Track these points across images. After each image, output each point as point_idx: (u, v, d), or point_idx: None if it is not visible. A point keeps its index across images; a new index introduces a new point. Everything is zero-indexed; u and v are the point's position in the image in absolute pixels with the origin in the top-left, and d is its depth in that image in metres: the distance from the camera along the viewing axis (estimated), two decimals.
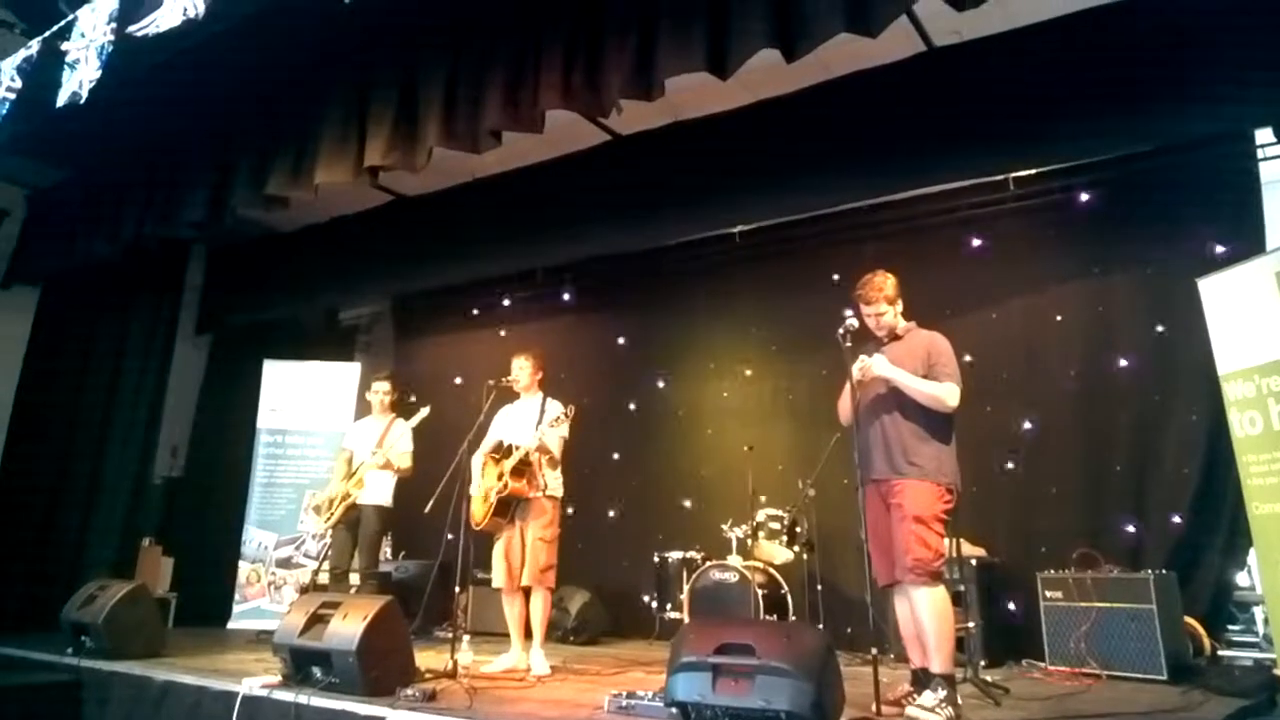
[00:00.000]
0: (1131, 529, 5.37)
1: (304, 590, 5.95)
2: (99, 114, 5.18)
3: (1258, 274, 4.72)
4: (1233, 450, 4.82)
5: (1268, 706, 3.10)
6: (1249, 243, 5.21)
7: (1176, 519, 5.25)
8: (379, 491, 5.65)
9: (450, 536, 4.77)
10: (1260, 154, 5.43)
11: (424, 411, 5.68)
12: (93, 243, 6.57)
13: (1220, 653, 4.84)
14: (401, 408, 5.94)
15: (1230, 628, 4.97)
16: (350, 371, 7.59)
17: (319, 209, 7.13)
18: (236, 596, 7.07)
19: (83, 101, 5.03)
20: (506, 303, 8.18)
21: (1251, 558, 4.87)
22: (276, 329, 8.17)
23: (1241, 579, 5.06)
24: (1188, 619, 4.85)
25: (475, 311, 8.35)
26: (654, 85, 4.26)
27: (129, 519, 7.14)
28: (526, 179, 6.44)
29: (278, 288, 7.78)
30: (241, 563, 7.14)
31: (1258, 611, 4.88)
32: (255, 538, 7.19)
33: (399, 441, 5.65)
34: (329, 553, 5.77)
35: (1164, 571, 4.79)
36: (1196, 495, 5.23)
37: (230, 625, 6.91)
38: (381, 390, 5.92)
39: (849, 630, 5.36)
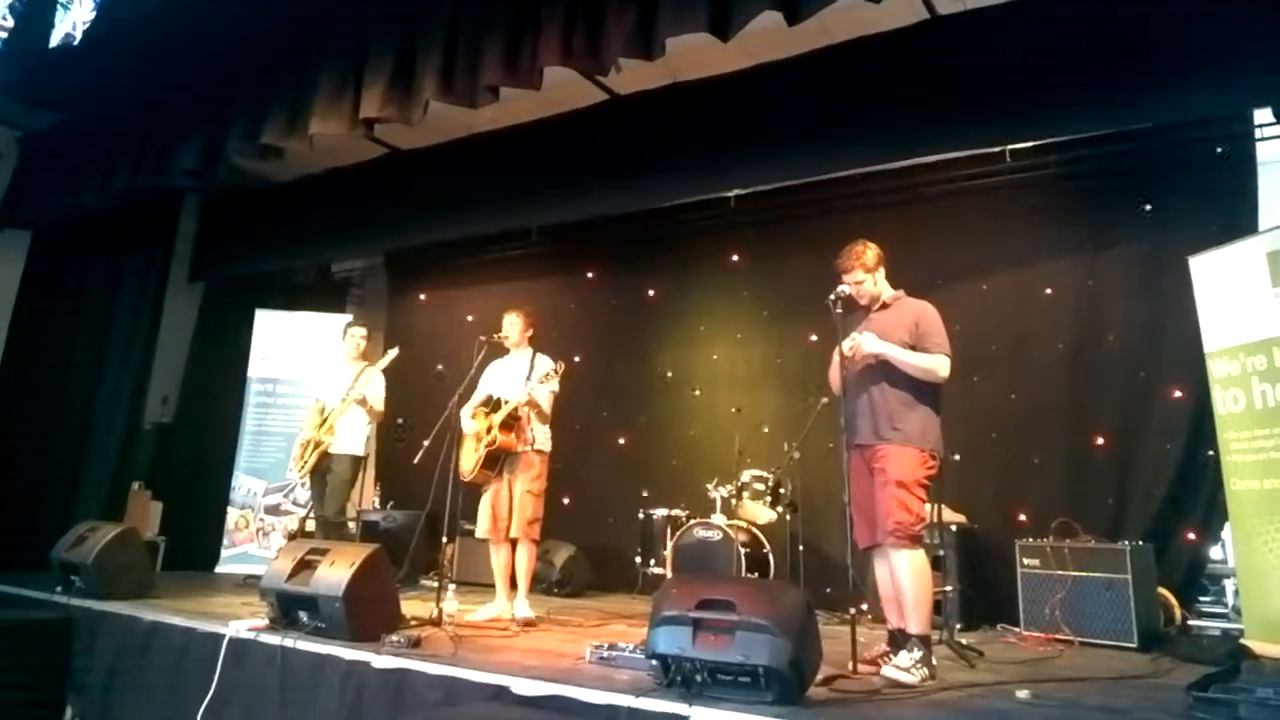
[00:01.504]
0: (1111, 501, 5.46)
1: (292, 537, 6.01)
2: (93, 58, 5.14)
3: (1249, 253, 4.76)
4: (1215, 427, 4.90)
5: (1231, 673, 3.17)
6: (1242, 222, 5.23)
7: (1156, 492, 5.34)
8: (351, 440, 5.65)
9: (441, 488, 4.83)
10: (1258, 134, 5.43)
11: (392, 353, 5.70)
12: (86, 190, 6.53)
13: (1190, 622, 4.94)
14: (373, 356, 5.91)
15: (1202, 599, 5.08)
16: (341, 323, 7.58)
17: (314, 161, 7.08)
18: (225, 541, 7.14)
19: (76, 43, 4.97)
20: (500, 260, 8.16)
21: (1226, 532, 4.95)
22: (269, 280, 8.16)
23: (1215, 552, 5.16)
24: (1161, 589, 4.94)
25: (468, 267, 8.34)
26: (655, 45, 4.23)
27: (120, 464, 7.20)
28: (523, 136, 6.40)
29: (271, 239, 7.75)
30: (230, 508, 7.20)
31: (1228, 584, 4.98)
32: (244, 484, 7.25)
33: (371, 387, 5.65)
34: (300, 499, 5.79)
35: (1140, 543, 4.87)
36: (1177, 470, 5.32)
37: (218, 569, 6.99)
38: (359, 335, 5.90)
39: (828, 590, 5.44)
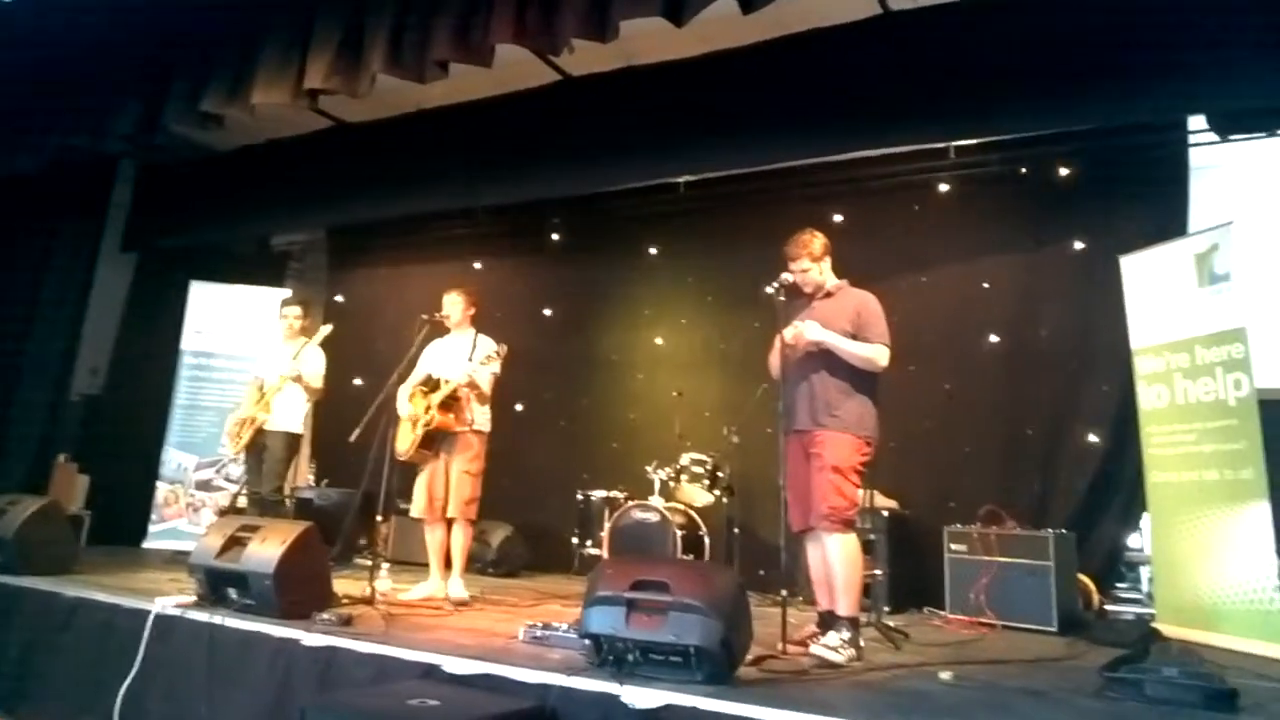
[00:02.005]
0: (1038, 490, 5.63)
1: (223, 513, 5.90)
2: (25, 12, 4.93)
3: (1177, 255, 4.93)
4: (1138, 421, 5.07)
5: (1141, 655, 3.31)
6: (1173, 224, 5.41)
7: (1080, 483, 5.54)
8: (287, 417, 5.59)
9: (376, 466, 4.78)
10: (1192, 140, 5.60)
11: (326, 329, 5.65)
12: (14, 154, 6.28)
13: (1108, 607, 5.12)
14: (312, 332, 5.82)
15: (1119, 585, 5.27)
16: (280, 297, 7.42)
17: (256, 130, 6.90)
18: (153, 517, 6.98)
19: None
20: (445, 239, 8.06)
21: (1145, 522, 5.14)
22: (206, 251, 7.95)
23: (1133, 541, 5.35)
24: (1081, 576, 5.12)
25: (412, 245, 8.21)
26: (609, 27, 4.21)
27: (44, 436, 6.98)
28: (472, 114, 6.31)
29: (208, 209, 7.54)
30: (160, 483, 7.04)
31: (1144, 571, 5.17)
32: (175, 459, 7.09)
33: (309, 364, 5.58)
34: (235, 476, 5.70)
35: (1063, 531, 5.03)
36: (1101, 462, 5.51)
37: (146, 545, 6.83)
38: (291, 314, 5.82)
39: (762, 573, 5.51)
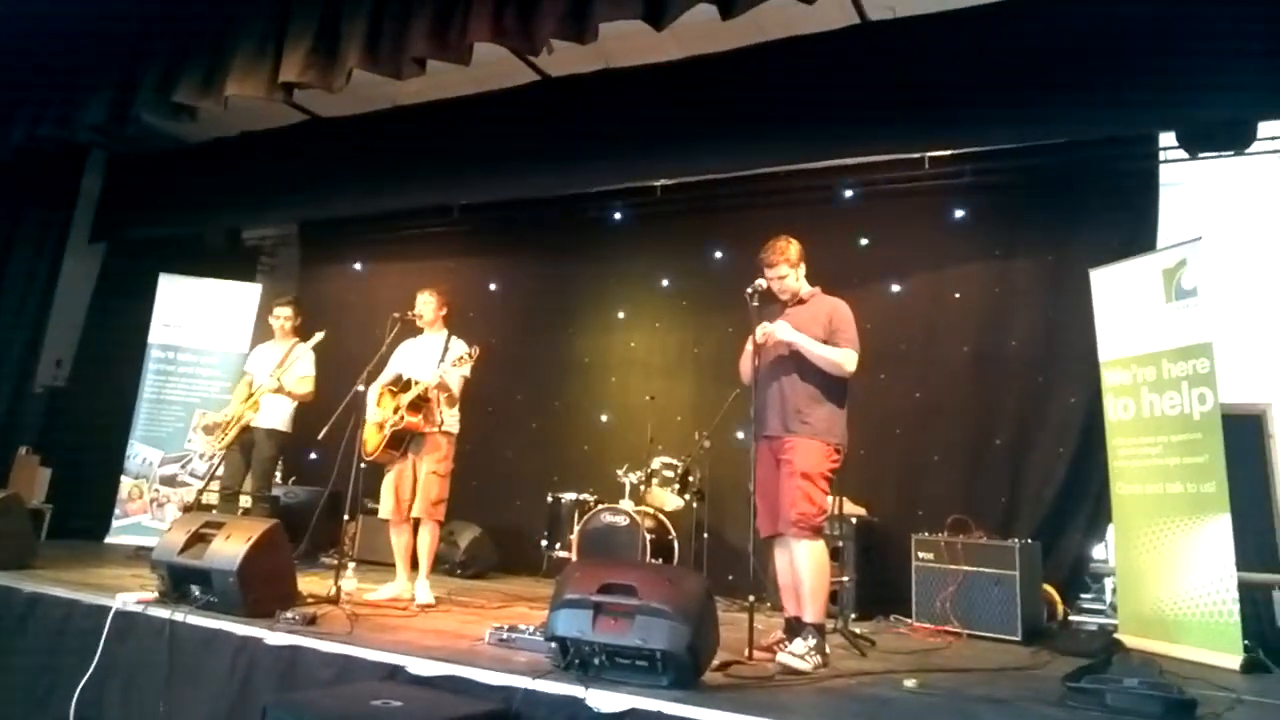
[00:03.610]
0: (1005, 499, 5.68)
1: (188, 509, 5.82)
2: None
3: (1146, 269, 4.99)
4: (1104, 433, 5.13)
5: (1104, 665, 3.35)
6: (1142, 239, 5.49)
7: (1047, 493, 5.59)
8: (274, 415, 5.59)
9: (344, 465, 4.74)
10: (1162, 156, 5.69)
11: (319, 335, 5.62)
12: None
13: (1071, 618, 5.18)
14: (304, 333, 5.80)
15: (1083, 596, 5.33)
16: (250, 292, 7.35)
17: (229, 123, 6.82)
18: (116, 511, 6.86)
19: None
20: (419, 236, 8.01)
21: (1110, 533, 5.20)
22: (175, 243, 7.82)
23: (1098, 552, 5.42)
24: (1046, 586, 5.17)
25: (386, 243, 8.16)
26: (588, 29, 4.20)
27: (5, 427, 6.86)
28: (449, 111, 6.28)
29: (179, 201, 7.44)
30: (124, 478, 6.92)
31: (1108, 582, 5.23)
32: (140, 453, 6.97)
33: (298, 366, 5.56)
34: (219, 473, 5.65)
35: (1029, 541, 5.07)
36: (1068, 472, 5.57)
37: (108, 540, 6.71)
38: (283, 315, 5.81)
39: (730, 578, 5.52)
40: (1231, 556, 4.25)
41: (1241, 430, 4.94)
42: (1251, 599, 4.36)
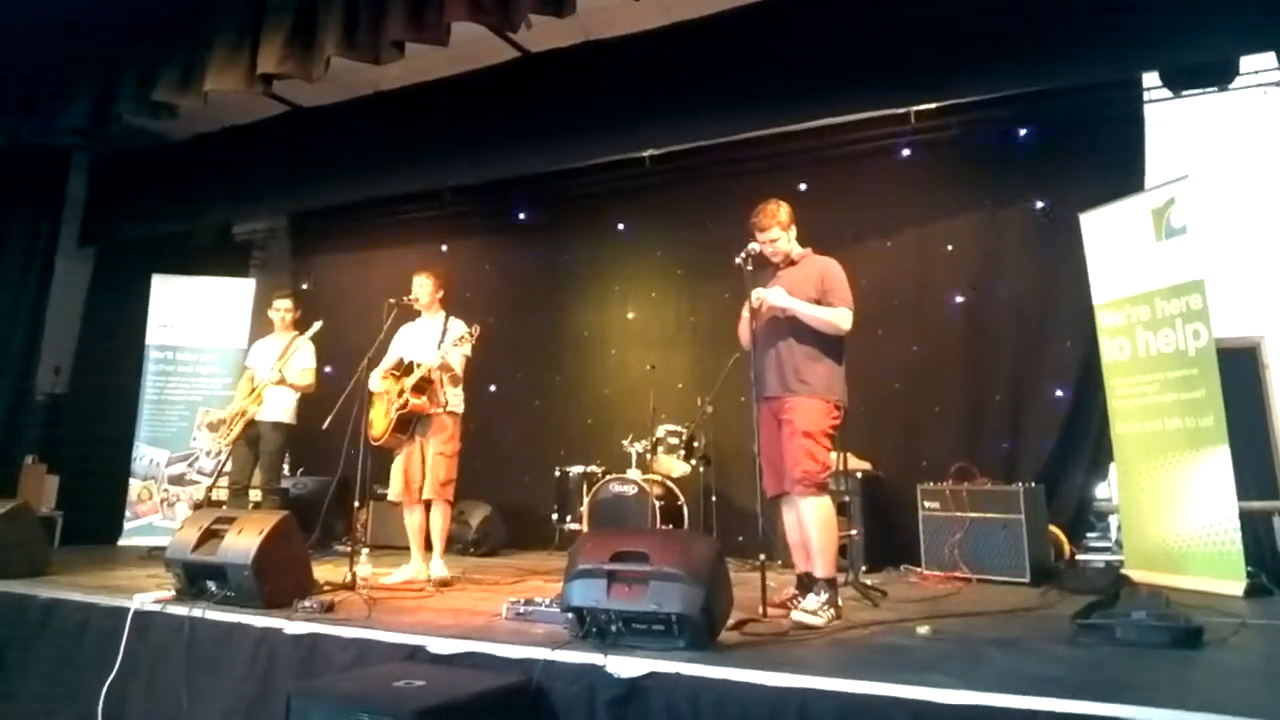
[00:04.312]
0: (1006, 445, 5.74)
1: (198, 506, 5.87)
2: None
3: (1135, 210, 5.01)
4: (1102, 375, 5.17)
5: (1111, 600, 3.41)
6: (1130, 180, 5.49)
7: (1048, 437, 5.64)
8: (278, 408, 5.62)
9: (352, 451, 4.78)
10: (1146, 97, 5.67)
11: (317, 325, 5.64)
12: None
13: (1078, 557, 5.24)
14: (304, 325, 5.81)
15: (1089, 535, 5.38)
16: (244, 288, 7.36)
17: (211, 118, 6.78)
18: (127, 514, 6.92)
19: None
20: (411, 221, 7.99)
21: (1111, 472, 5.25)
22: (166, 243, 7.79)
23: (1101, 491, 5.48)
24: (1052, 527, 5.23)
25: (377, 229, 8.14)
26: (565, 1, 4.17)
27: (9, 437, 6.84)
28: (432, 94, 6.22)
29: (167, 200, 7.39)
30: (132, 480, 6.97)
31: (1113, 520, 5.29)
32: (146, 454, 7.01)
33: (298, 358, 5.58)
34: (226, 469, 5.69)
35: (1033, 484, 5.12)
36: (1067, 416, 5.62)
37: (121, 543, 6.76)
38: (283, 308, 5.83)
39: (740, 539, 5.59)
40: (1232, 487, 4.31)
41: (1236, 363, 4.98)
42: (1252, 527, 4.44)
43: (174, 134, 7.15)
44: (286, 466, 6.24)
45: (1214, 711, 2.20)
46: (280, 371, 5.48)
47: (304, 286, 5.05)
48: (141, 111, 5.57)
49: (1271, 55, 4.74)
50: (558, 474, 6.46)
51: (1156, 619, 3.14)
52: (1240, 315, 5.27)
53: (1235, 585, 4.20)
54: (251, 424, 5.57)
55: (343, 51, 4.73)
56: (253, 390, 5.60)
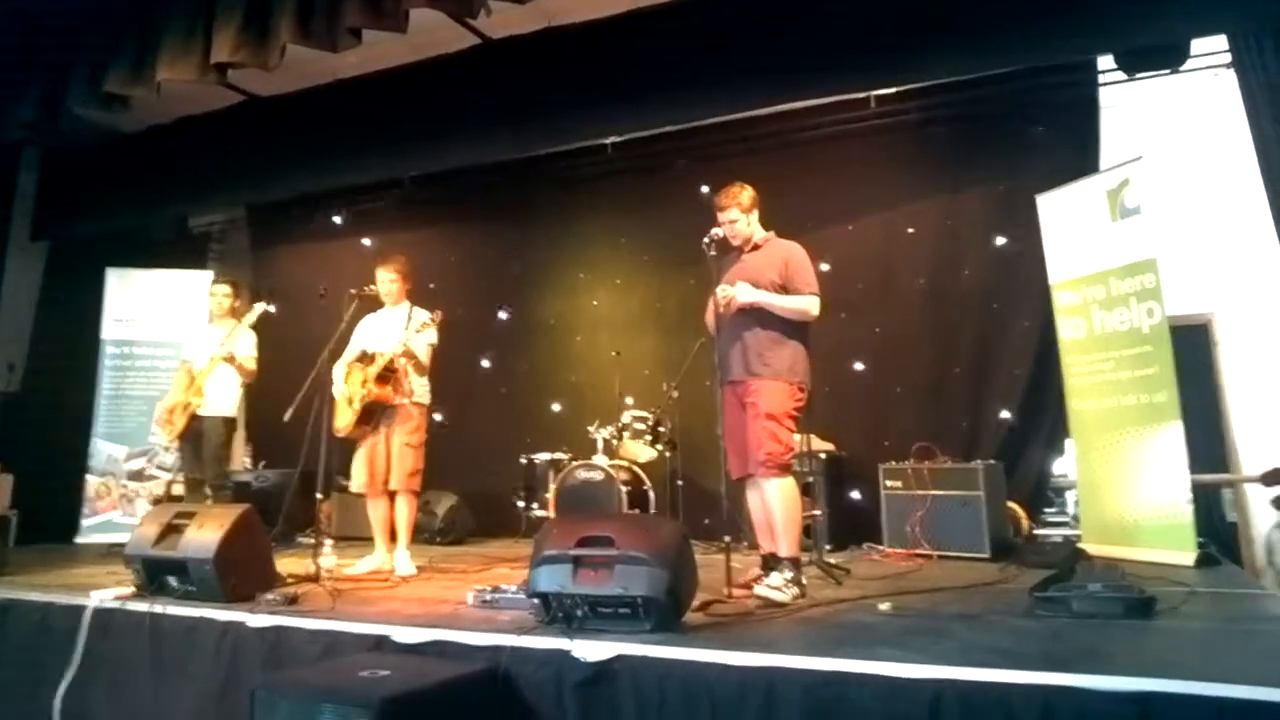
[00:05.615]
0: (966, 424, 5.84)
1: (157, 502, 5.78)
2: None
3: (1090, 191, 5.09)
4: (1059, 353, 5.26)
5: (1068, 574, 3.48)
6: (1086, 162, 5.57)
7: (1007, 415, 5.75)
8: (222, 401, 5.50)
9: (315, 444, 4.72)
10: (1101, 80, 5.76)
11: (260, 306, 5.54)
12: None
13: (1036, 532, 5.35)
14: (245, 313, 5.69)
15: (1047, 510, 5.51)
16: (203, 280, 7.20)
17: (165, 109, 6.63)
18: (85, 511, 6.78)
19: None
20: (372, 211, 7.91)
21: (1069, 448, 5.36)
22: (121, 236, 7.65)
23: (1058, 467, 5.59)
24: (1011, 503, 5.34)
25: (337, 220, 8.05)
26: None
27: None
28: (391, 82, 6.14)
29: (120, 193, 7.24)
30: (90, 476, 6.83)
31: (1070, 495, 5.40)
32: (104, 450, 6.88)
33: (240, 347, 5.47)
34: (178, 465, 5.59)
35: (992, 462, 5.23)
36: (1025, 394, 5.72)
37: (79, 540, 6.63)
38: (220, 293, 5.68)
39: (706, 521, 5.60)
40: (1184, 461, 4.42)
41: (1189, 340, 5.10)
42: (1204, 499, 4.55)
43: (127, 126, 7.00)
44: (247, 460, 6.17)
45: (1167, 677, 2.26)
46: (231, 352, 5.34)
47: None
48: (92, 104, 5.45)
49: (1222, 38, 4.81)
50: (524, 461, 6.46)
51: (1111, 590, 3.22)
52: (1192, 293, 5.40)
53: (1186, 556, 4.31)
54: (195, 418, 5.44)
55: (299, 39, 4.66)
56: (191, 382, 5.46)
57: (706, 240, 4.05)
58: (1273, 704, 2.12)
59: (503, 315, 7.51)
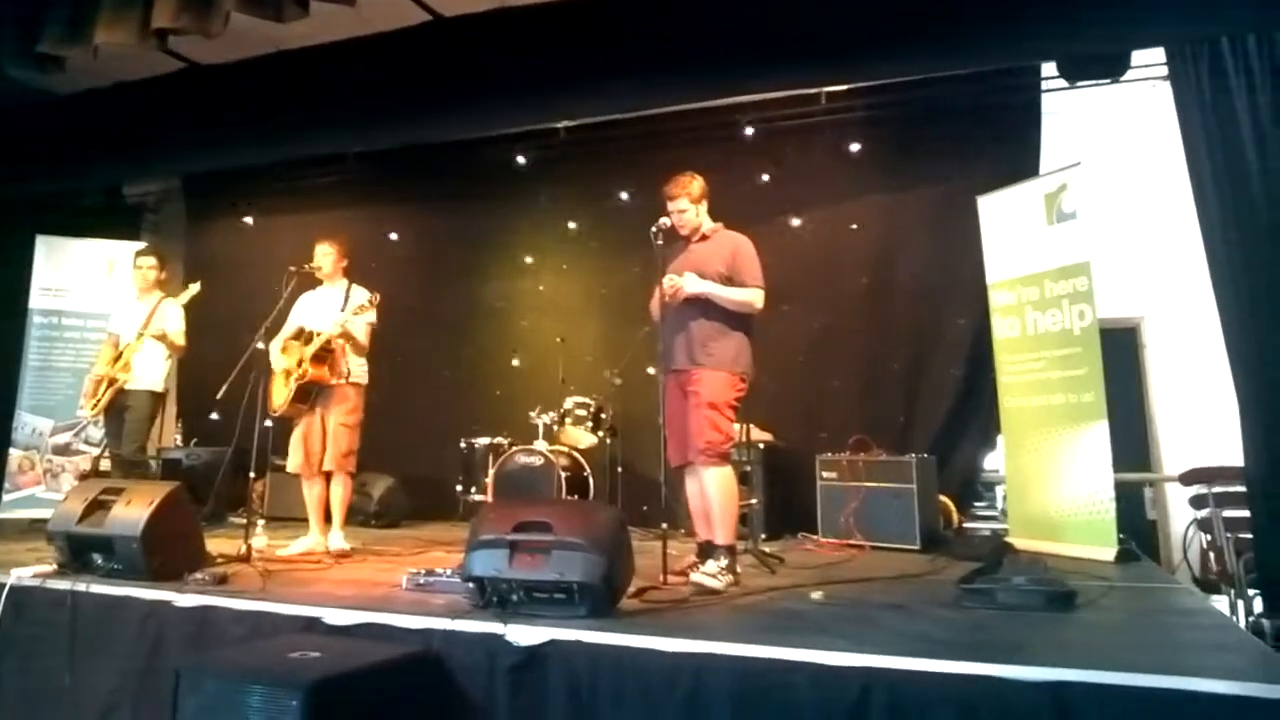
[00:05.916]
0: (902, 419, 5.96)
1: (84, 477, 5.61)
2: None
3: (1029, 195, 5.21)
4: (993, 352, 5.39)
5: (995, 566, 3.58)
6: (1027, 166, 5.69)
7: (941, 410, 5.88)
8: (149, 375, 5.36)
9: (248, 422, 4.63)
10: (1044, 86, 5.89)
11: (194, 288, 5.41)
12: None
13: (966, 525, 5.50)
14: (169, 287, 5.55)
15: (977, 504, 5.67)
16: (134, 249, 7.02)
17: (101, 73, 6.39)
18: (6, 485, 6.56)
19: None
20: (314, 187, 7.73)
21: (999, 444, 5.50)
22: (52, 203, 7.38)
23: (989, 462, 5.75)
24: (942, 496, 5.47)
25: (279, 194, 7.85)
26: None
27: None
28: (338, 55, 5.96)
29: (51, 158, 6.92)
30: (12, 450, 6.61)
31: (999, 490, 5.56)
32: (29, 423, 6.67)
33: (169, 323, 5.34)
34: (103, 439, 5.43)
35: (926, 456, 5.34)
36: (960, 390, 5.87)
37: None
38: (146, 265, 5.53)
39: (645, 508, 5.63)
40: (1109, 460, 4.56)
41: (1118, 342, 5.28)
42: (1126, 496, 4.71)
43: (60, 88, 6.73)
44: (179, 436, 6.03)
45: (1085, 668, 2.33)
46: (163, 329, 5.22)
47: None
48: (25, 65, 5.23)
49: (1160, 51, 4.95)
50: (463, 445, 6.41)
51: (1034, 583, 3.32)
52: (1123, 297, 5.57)
53: (1108, 551, 4.46)
54: (121, 392, 5.29)
55: (243, 7, 4.51)
56: (118, 356, 5.31)
57: (654, 229, 4.06)
58: (1182, 691, 2.21)
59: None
